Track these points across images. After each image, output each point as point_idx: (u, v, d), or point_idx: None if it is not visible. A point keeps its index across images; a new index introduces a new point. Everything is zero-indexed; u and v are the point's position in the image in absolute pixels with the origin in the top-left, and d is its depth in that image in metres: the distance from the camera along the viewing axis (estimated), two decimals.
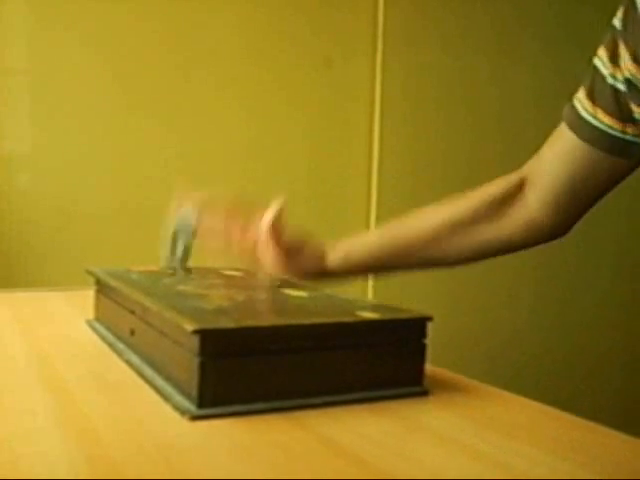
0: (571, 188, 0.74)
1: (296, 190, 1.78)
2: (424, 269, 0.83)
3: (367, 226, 1.86)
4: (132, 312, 0.58)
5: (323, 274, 0.78)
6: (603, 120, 0.68)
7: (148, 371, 0.52)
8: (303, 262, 0.77)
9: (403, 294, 1.82)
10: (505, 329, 2.05)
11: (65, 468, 0.35)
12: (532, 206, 0.77)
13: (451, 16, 1.92)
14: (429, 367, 0.53)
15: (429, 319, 0.50)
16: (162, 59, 1.61)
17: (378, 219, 1.86)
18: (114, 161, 1.59)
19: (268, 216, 0.74)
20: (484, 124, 2.00)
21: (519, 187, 0.78)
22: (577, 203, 0.75)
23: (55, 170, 1.54)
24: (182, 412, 0.43)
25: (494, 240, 0.79)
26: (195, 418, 0.42)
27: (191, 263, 0.76)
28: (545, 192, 0.76)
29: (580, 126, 0.70)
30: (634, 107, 0.64)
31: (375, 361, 0.49)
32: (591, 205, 0.75)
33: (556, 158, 0.74)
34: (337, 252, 0.79)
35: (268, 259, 0.74)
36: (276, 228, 0.74)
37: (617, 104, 0.66)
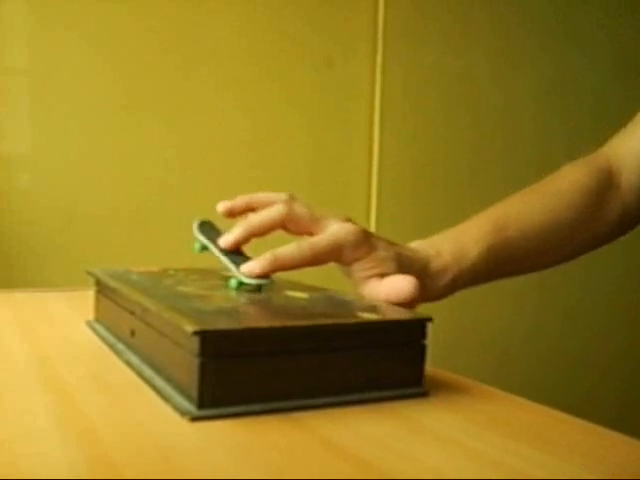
0: None
1: (296, 190, 1.77)
2: (509, 277, 0.75)
3: (367, 226, 1.86)
4: (132, 313, 0.58)
5: (429, 297, 0.66)
6: None
7: (148, 372, 0.52)
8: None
9: None
10: (506, 330, 2.05)
11: (65, 469, 0.35)
12: (625, 192, 0.72)
13: (452, 16, 1.92)
14: (429, 368, 0.53)
15: (429, 320, 0.50)
16: (162, 59, 1.61)
17: (378, 219, 1.86)
18: (114, 161, 1.59)
19: (395, 297, 0.60)
20: (484, 124, 1.99)
21: (609, 174, 0.72)
22: None
23: (55, 170, 1.54)
24: (182, 413, 0.43)
25: (595, 236, 0.73)
26: (195, 419, 0.42)
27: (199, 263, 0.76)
28: (636, 176, 0.70)
29: None
30: None
31: (375, 362, 0.49)
32: None
33: None
34: (444, 278, 0.66)
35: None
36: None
37: None
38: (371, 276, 0.63)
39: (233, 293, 0.59)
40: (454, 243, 0.68)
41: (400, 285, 0.60)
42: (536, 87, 2.05)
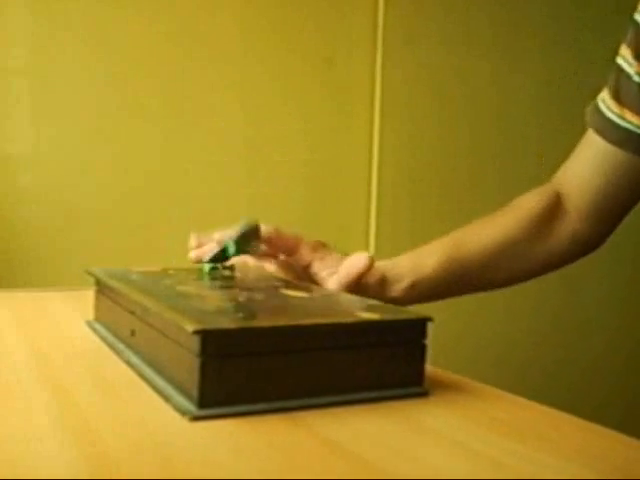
0: (607, 196, 0.71)
1: (295, 190, 1.78)
2: (471, 293, 0.80)
3: (367, 226, 1.86)
4: (132, 312, 0.58)
5: (384, 298, 0.72)
6: (632, 120, 0.65)
7: (148, 371, 0.52)
8: (365, 292, 0.69)
9: None
10: (506, 330, 2.05)
11: (64, 468, 0.35)
12: (573, 219, 0.75)
13: (451, 16, 1.92)
14: (429, 368, 0.53)
15: (429, 320, 0.50)
16: (162, 59, 1.61)
17: (378, 219, 1.86)
18: (115, 161, 1.59)
19: (355, 269, 0.67)
20: (484, 124, 1.99)
21: (557, 200, 0.75)
22: (617, 209, 0.72)
23: (55, 170, 1.54)
24: (183, 412, 0.43)
25: (544, 258, 0.76)
26: (196, 419, 0.42)
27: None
28: (583, 203, 0.73)
29: (607, 129, 0.68)
30: None
31: (375, 362, 0.49)
32: (630, 209, 0.72)
33: (587, 166, 0.71)
34: (402, 282, 0.73)
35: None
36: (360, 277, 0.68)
37: None
38: (332, 273, 0.69)
39: (233, 292, 0.59)
40: (410, 256, 0.75)
41: (356, 259, 0.67)
42: (535, 88, 2.05)
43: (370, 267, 0.67)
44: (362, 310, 0.52)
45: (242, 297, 0.57)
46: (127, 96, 1.58)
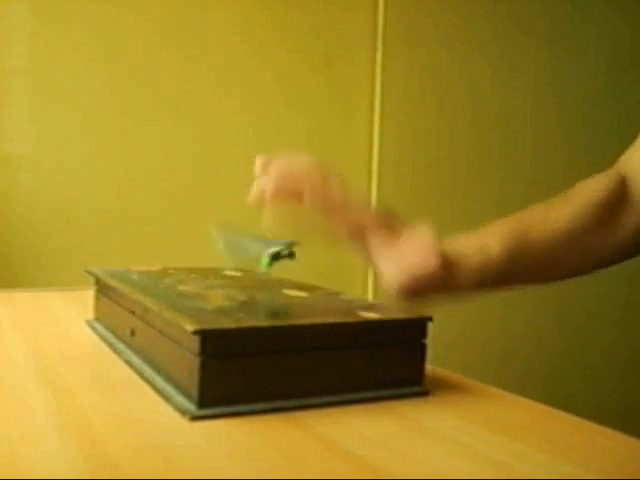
0: None
1: None
2: (534, 284, 0.73)
3: None
4: (132, 312, 0.58)
5: (446, 290, 0.62)
6: None
7: (148, 371, 0.52)
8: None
9: None
10: (506, 330, 2.05)
11: (64, 468, 0.35)
12: (639, 207, 0.70)
13: (451, 16, 1.92)
14: (429, 367, 0.53)
15: (429, 319, 0.50)
16: (162, 59, 1.61)
17: None
18: (114, 161, 1.59)
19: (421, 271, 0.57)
20: (484, 124, 1.99)
21: (623, 187, 0.70)
22: None
23: (55, 170, 1.54)
24: (182, 412, 0.43)
25: (614, 249, 0.71)
26: (195, 418, 0.42)
27: (198, 263, 0.76)
28: None
29: None
30: None
31: (375, 361, 0.49)
32: None
33: None
34: (470, 270, 0.63)
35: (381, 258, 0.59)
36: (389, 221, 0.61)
37: None
38: (379, 235, 0.60)
39: (233, 292, 0.59)
40: (471, 239, 0.66)
41: (423, 259, 0.57)
42: (534, 89, 2.05)
43: (437, 264, 0.57)
44: (362, 310, 0.52)
45: (242, 297, 0.57)
46: (127, 96, 1.58)
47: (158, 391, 0.48)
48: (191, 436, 0.40)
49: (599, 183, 0.70)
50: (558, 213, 0.69)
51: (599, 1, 2.12)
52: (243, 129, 1.71)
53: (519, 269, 0.67)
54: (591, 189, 0.70)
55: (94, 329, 0.68)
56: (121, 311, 0.61)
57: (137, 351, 0.56)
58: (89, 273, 0.70)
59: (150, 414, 0.44)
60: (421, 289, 0.58)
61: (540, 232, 0.68)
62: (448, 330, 1.88)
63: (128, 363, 0.55)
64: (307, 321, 0.48)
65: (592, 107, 2.06)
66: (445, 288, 0.61)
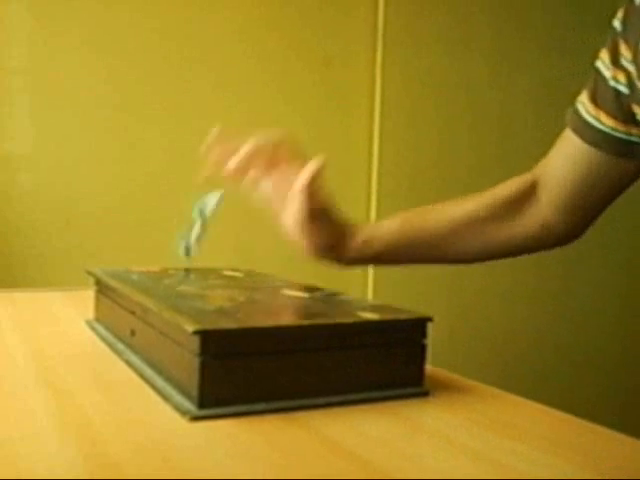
0: (581, 192, 0.73)
1: None
2: (437, 263, 0.82)
3: None
4: (132, 312, 0.58)
5: (338, 252, 0.75)
6: (606, 123, 0.67)
7: (148, 371, 0.52)
8: (324, 233, 0.73)
9: (403, 294, 1.82)
10: (505, 329, 2.05)
11: (64, 468, 0.35)
12: (545, 208, 0.76)
13: (451, 17, 1.92)
14: (429, 368, 0.53)
15: (429, 319, 0.50)
16: (162, 58, 1.61)
17: (378, 219, 1.85)
18: (114, 161, 1.59)
19: (309, 171, 0.71)
20: (483, 125, 2.00)
21: (533, 188, 0.77)
22: (589, 206, 0.74)
23: (55, 170, 1.54)
24: (182, 412, 0.43)
25: (508, 240, 0.78)
26: (195, 418, 0.42)
27: (195, 262, 0.76)
28: (556, 196, 0.75)
29: (584, 129, 0.70)
30: (636, 109, 0.64)
31: (375, 362, 0.49)
32: (604, 207, 0.74)
33: (564, 162, 0.74)
34: (360, 235, 0.76)
35: (292, 216, 0.70)
36: (311, 187, 0.70)
37: (619, 106, 0.65)
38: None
39: (233, 292, 0.59)
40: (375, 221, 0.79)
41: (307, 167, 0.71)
42: (534, 90, 2.05)
43: (319, 171, 0.71)
44: (362, 310, 0.52)
45: (242, 297, 0.57)
46: (127, 96, 1.58)
47: (158, 391, 0.48)
48: (191, 436, 0.40)
49: (513, 182, 0.79)
50: (464, 203, 0.80)
51: (599, 1, 2.12)
52: (243, 129, 1.71)
53: (410, 244, 0.78)
54: (504, 187, 0.79)
55: (94, 329, 0.68)
56: (121, 311, 0.61)
57: (137, 351, 0.56)
58: (89, 273, 0.70)
59: (150, 414, 0.44)
60: (317, 243, 0.71)
61: (434, 214, 0.79)
62: (448, 330, 1.88)
63: (128, 363, 0.55)
64: (307, 322, 0.48)
65: None
66: (340, 248, 0.74)
